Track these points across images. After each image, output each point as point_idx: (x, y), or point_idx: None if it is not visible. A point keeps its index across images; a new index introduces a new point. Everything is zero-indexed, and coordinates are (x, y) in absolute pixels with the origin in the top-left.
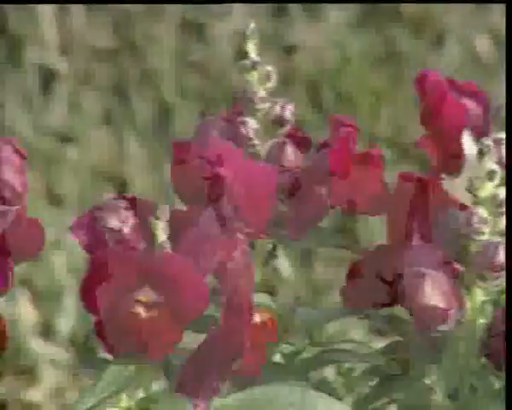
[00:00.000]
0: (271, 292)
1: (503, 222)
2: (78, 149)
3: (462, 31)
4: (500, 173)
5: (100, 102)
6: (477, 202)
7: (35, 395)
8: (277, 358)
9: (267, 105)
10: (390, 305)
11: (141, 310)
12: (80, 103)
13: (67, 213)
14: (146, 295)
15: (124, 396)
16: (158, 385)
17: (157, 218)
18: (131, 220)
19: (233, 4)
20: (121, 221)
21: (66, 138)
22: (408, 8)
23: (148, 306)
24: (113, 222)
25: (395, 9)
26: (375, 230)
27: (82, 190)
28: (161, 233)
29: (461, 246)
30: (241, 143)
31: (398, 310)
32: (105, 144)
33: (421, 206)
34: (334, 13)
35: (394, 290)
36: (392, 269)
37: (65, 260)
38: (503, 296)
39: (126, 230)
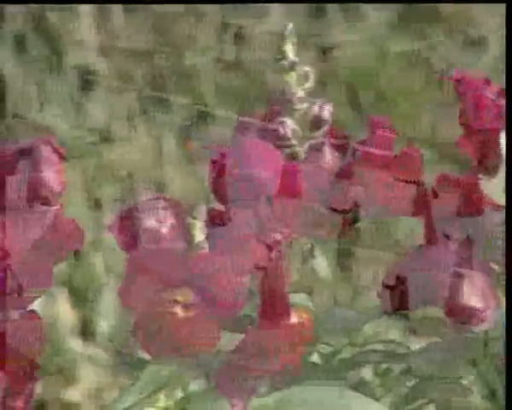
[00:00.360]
0: (309, 292)
1: None
2: (116, 149)
3: (502, 31)
4: None
5: (138, 103)
6: None
7: (74, 394)
8: (315, 358)
9: (305, 105)
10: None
11: (178, 310)
12: (119, 104)
13: (106, 212)
14: (183, 295)
15: (162, 396)
16: (196, 385)
17: (194, 218)
18: (169, 220)
19: (271, 4)
20: (159, 221)
21: (104, 138)
22: (447, 9)
23: (185, 306)
24: (151, 222)
25: (434, 10)
26: (413, 231)
27: (120, 189)
28: (199, 233)
29: (497, 246)
30: (280, 144)
31: (436, 311)
32: (143, 145)
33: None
34: (373, 13)
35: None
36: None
37: (103, 259)
38: None
39: (164, 230)
